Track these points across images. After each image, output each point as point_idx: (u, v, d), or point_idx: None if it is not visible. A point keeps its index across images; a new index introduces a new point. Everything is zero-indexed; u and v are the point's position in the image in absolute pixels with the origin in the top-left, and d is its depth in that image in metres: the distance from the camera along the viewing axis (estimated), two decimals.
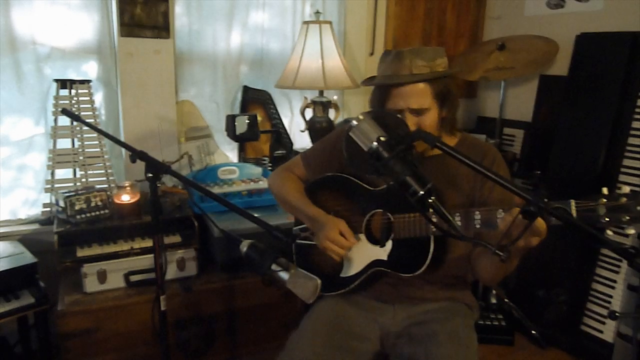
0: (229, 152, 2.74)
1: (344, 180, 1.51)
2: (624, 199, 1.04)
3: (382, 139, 1.09)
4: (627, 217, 1.04)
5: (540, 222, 1.07)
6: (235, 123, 2.39)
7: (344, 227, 1.41)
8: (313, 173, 1.61)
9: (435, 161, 1.42)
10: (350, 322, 1.48)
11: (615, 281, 2.30)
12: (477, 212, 1.23)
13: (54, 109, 2.23)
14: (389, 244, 1.41)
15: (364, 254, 1.45)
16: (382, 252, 1.42)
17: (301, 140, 2.82)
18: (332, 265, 1.49)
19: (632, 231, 1.06)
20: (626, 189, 1.04)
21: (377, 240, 1.44)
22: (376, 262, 1.44)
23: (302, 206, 1.52)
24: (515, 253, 1.16)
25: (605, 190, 1.06)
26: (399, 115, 1.35)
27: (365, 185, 1.47)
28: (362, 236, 1.46)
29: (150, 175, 1.36)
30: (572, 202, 1.08)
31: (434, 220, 1.10)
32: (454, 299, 1.51)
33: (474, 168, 1.06)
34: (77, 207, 1.95)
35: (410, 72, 1.35)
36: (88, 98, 2.29)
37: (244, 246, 1.21)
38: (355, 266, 1.47)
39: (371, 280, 1.47)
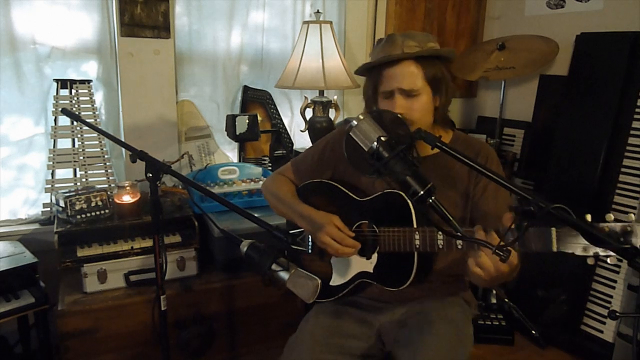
0: (229, 152, 2.74)
1: (332, 187, 1.50)
2: (628, 228, 1.00)
3: (382, 138, 1.09)
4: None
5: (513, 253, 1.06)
6: (236, 123, 2.39)
7: (338, 221, 1.39)
8: (302, 179, 1.60)
9: (431, 161, 1.42)
10: (348, 322, 1.48)
11: (615, 281, 2.30)
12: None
13: (54, 109, 2.23)
14: (374, 257, 1.40)
15: (350, 265, 1.45)
16: (368, 264, 1.41)
17: (301, 140, 2.82)
18: (322, 273, 1.48)
19: (614, 261, 1.03)
20: (610, 217, 1.01)
21: (363, 252, 1.42)
22: (362, 274, 1.43)
23: (294, 205, 1.51)
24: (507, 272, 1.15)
25: (611, 217, 1.01)
26: (399, 115, 1.35)
27: (352, 195, 1.46)
28: None
29: (151, 175, 1.37)
30: (553, 230, 1.07)
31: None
32: (452, 294, 1.52)
33: (474, 168, 1.06)
34: (77, 207, 1.95)
35: (402, 51, 1.35)
36: (88, 98, 2.30)
37: (244, 246, 1.21)
38: (342, 276, 1.47)
39: (360, 289, 1.47)
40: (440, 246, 1.27)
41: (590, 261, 1.04)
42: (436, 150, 1.13)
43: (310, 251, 1.52)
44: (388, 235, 1.36)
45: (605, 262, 1.03)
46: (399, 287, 1.36)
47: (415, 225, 1.33)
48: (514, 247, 1.07)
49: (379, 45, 1.42)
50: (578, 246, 1.05)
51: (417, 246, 1.31)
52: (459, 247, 1.23)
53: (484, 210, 1.39)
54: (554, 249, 1.07)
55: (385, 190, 1.39)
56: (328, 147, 1.56)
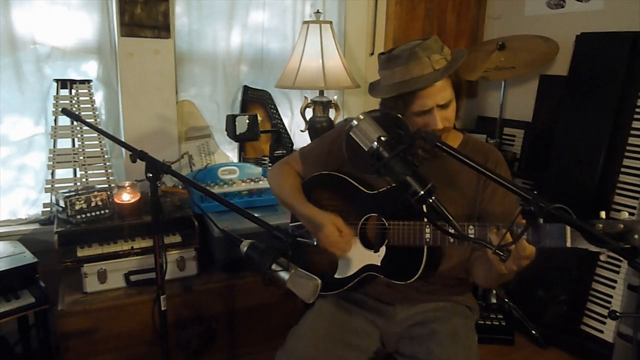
0: (229, 152, 2.74)
1: (341, 180, 1.50)
2: (621, 226, 1.01)
3: (382, 138, 1.09)
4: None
5: (528, 248, 1.08)
6: (236, 123, 2.39)
7: (340, 223, 1.39)
8: (310, 170, 1.60)
9: (437, 162, 1.42)
10: (351, 319, 1.48)
11: (615, 281, 2.30)
12: (471, 227, 1.23)
13: (54, 109, 2.23)
14: (382, 250, 1.40)
15: (357, 257, 1.45)
16: (376, 257, 1.41)
17: (301, 140, 2.81)
18: (327, 265, 1.48)
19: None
20: (624, 215, 1.02)
21: (371, 245, 1.43)
22: (369, 267, 1.43)
23: (297, 204, 1.51)
24: (510, 271, 1.16)
25: (602, 215, 1.03)
26: (399, 115, 1.34)
27: (362, 188, 1.46)
28: (357, 239, 1.45)
29: (151, 175, 1.36)
30: (567, 227, 1.07)
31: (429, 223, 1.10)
32: (454, 300, 1.52)
33: (475, 169, 1.06)
34: (77, 207, 1.94)
35: (433, 69, 1.31)
36: (88, 98, 2.30)
37: (244, 246, 1.21)
38: (349, 268, 1.47)
39: (366, 282, 1.47)
40: (451, 240, 1.27)
41: (603, 257, 1.04)
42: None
43: (315, 243, 1.52)
44: (398, 228, 1.36)
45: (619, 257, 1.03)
46: (406, 280, 1.36)
47: (426, 220, 1.33)
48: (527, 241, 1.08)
49: (397, 62, 1.34)
50: None
51: (428, 240, 1.31)
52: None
53: (491, 213, 1.39)
54: (568, 244, 1.07)
55: (395, 184, 1.38)
56: (337, 142, 1.54)
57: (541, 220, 1.04)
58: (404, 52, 1.33)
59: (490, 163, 1.43)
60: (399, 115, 1.34)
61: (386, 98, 1.41)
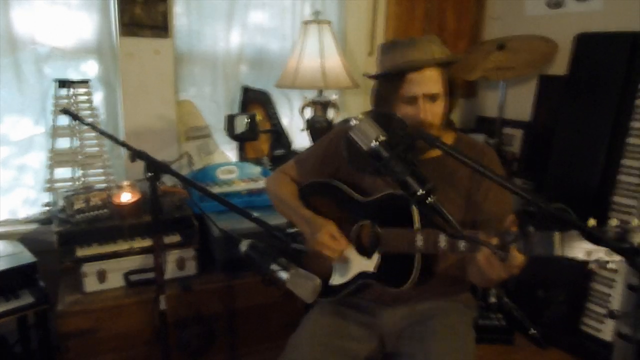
0: (229, 151, 2.74)
1: (334, 188, 1.51)
2: (614, 231, 1.00)
3: (382, 138, 1.09)
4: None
5: (517, 257, 1.07)
6: (235, 123, 2.39)
7: (334, 230, 1.40)
8: (306, 176, 1.61)
9: (433, 162, 1.42)
10: (349, 324, 1.48)
11: (615, 281, 2.30)
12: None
13: (53, 109, 2.23)
14: (376, 257, 1.40)
15: (352, 264, 1.45)
16: (370, 264, 1.41)
17: (301, 140, 2.82)
18: (322, 273, 1.48)
19: (614, 267, 1.03)
20: (614, 222, 1.00)
21: (365, 252, 1.43)
22: (364, 274, 1.43)
23: (294, 208, 1.52)
24: (499, 278, 1.15)
25: (592, 222, 1.01)
26: (399, 116, 1.35)
27: (355, 196, 1.47)
28: (351, 246, 1.45)
29: (150, 174, 1.36)
30: (556, 235, 1.06)
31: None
32: (452, 299, 1.52)
33: (474, 168, 1.06)
34: (76, 207, 1.94)
35: (431, 57, 1.35)
36: (88, 98, 2.29)
37: (244, 246, 1.21)
38: (343, 276, 1.47)
39: (361, 288, 1.47)
40: (442, 246, 1.27)
41: (592, 266, 1.04)
42: (440, 152, 1.13)
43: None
44: (390, 235, 1.36)
45: (605, 267, 1.02)
46: (400, 287, 1.36)
47: (417, 227, 1.33)
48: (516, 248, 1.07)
49: (395, 48, 1.39)
50: (581, 250, 1.04)
51: (419, 247, 1.31)
52: (462, 249, 1.23)
53: (487, 213, 1.39)
54: (556, 253, 1.07)
55: (389, 192, 1.39)
56: (332, 145, 1.56)
57: (531, 228, 1.04)
58: (408, 39, 1.38)
59: (484, 161, 1.43)
60: (390, 102, 1.39)
61: (379, 83, 1.44)
